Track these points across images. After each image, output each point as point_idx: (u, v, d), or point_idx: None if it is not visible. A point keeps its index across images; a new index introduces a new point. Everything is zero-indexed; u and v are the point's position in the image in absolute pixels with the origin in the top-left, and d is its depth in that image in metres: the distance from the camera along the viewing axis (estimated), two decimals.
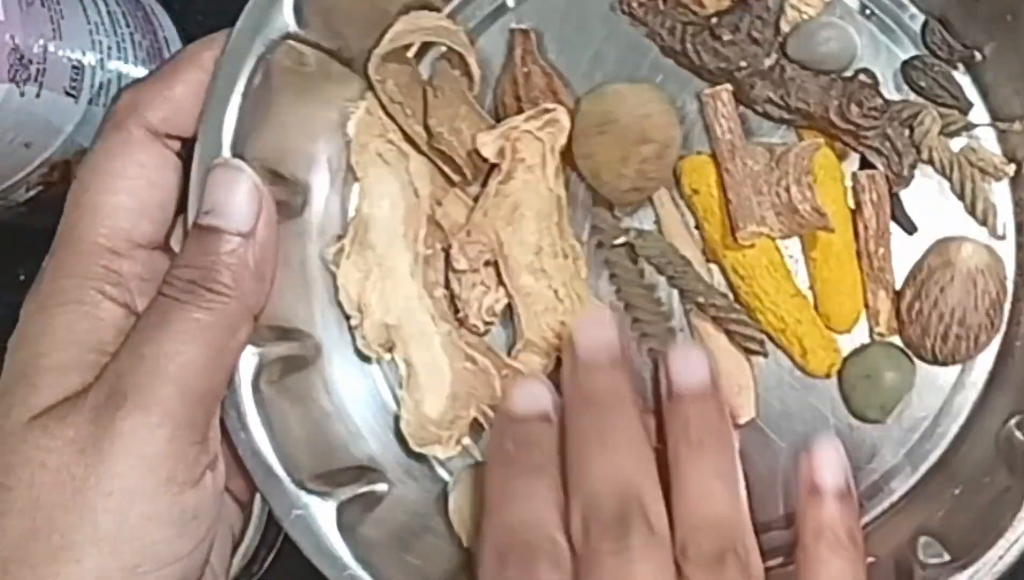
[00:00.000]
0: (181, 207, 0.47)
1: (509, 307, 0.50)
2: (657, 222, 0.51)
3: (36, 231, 0.61)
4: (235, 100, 0.46)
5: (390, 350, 0.50)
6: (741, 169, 0.48)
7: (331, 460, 0.49)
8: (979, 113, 0.50)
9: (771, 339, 0.50)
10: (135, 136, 0.45)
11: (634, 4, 0.50)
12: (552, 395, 0.43)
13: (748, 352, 0.49)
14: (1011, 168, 0.49)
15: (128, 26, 0.56)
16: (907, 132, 0.49)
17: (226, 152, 0.46)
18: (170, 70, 0.47)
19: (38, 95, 0.49)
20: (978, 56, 0.49)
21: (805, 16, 0.49)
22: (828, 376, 0.49)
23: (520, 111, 0.50)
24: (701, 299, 0.49)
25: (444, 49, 0.50)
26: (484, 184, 0.50)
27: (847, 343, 0.50)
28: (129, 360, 0.42)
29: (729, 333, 0.49)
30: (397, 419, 0.51)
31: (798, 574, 0.43)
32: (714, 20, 0.49)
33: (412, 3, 0.50)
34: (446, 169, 0.50)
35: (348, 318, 0.50)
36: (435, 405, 0.49)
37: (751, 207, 0.48)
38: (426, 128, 0.49)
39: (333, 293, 0.50)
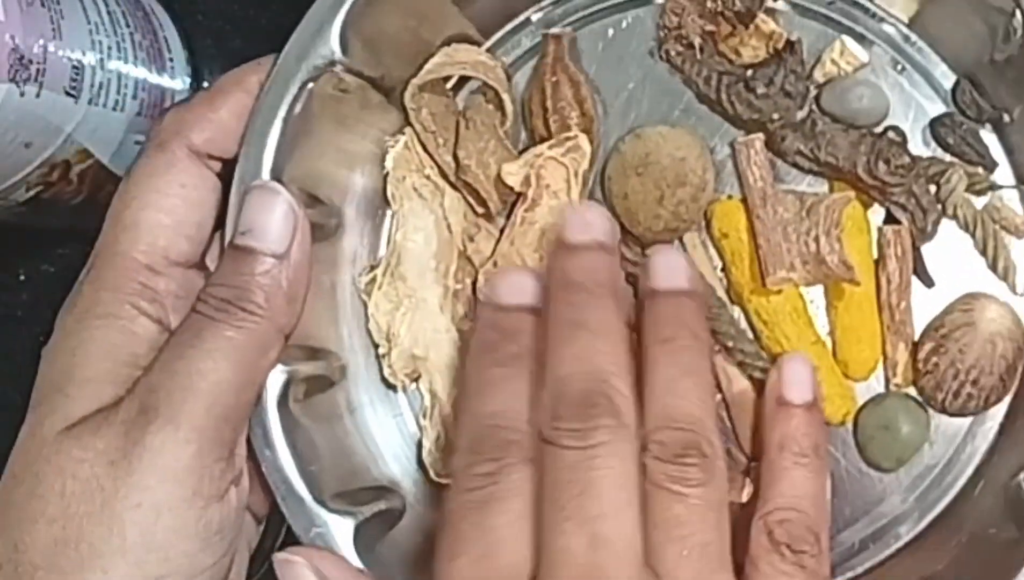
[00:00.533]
0: (218, 226, 0.48)
1: None
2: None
3: (36, 231, 0.62)
4: (277, 124, 0.47)
5: (415, 380, 0.51)
6: (772, 216, 0.49)
7: (352, 480, 0.50)
8: (1004, 172, 0.51)
9: None
10: (178, 156, 0.46)
11: (672, 52, 0.51)
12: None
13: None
14: None
15: (128, 26, 0.56)
16: (932, 189, 0.50)
17: (265, 174, 0.47)
18: (216, 92, 0.48)
19: (38, 95, 0.49)
20: (1006, 117, 0.50)
21: (842, 72, 0.50)
22: (842, 424, 0.50)
23: (546, 121, 0.50)
24: (731, 343, 0.49)
25: (481, 82, 0.51)
26: (509, 215, 0.51)
27: (863, 391, 0.51)
28: (161, 375, 0.43)
29: (751, 379, 0.50)
30: (419, 444, 0.51)
31: (761, 486, 0.43)
32: (749, 72, 0.50)
33: (455, 36, 0.51)
34: (470, 200, 0.51)
35: (376, 346, 0.51)
36: None
37: (781, 254, 0.49)
38: (455, 158, 0.50)
39: (362, 318, 0.51)
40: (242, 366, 0.44)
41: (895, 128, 0.50)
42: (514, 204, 0.51)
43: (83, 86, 0.52)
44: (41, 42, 0.49)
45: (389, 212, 0.52)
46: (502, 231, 0.51)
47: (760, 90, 0.49)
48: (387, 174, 0.51)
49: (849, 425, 0.50)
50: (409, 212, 0.51)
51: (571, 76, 0.51)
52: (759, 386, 0.49)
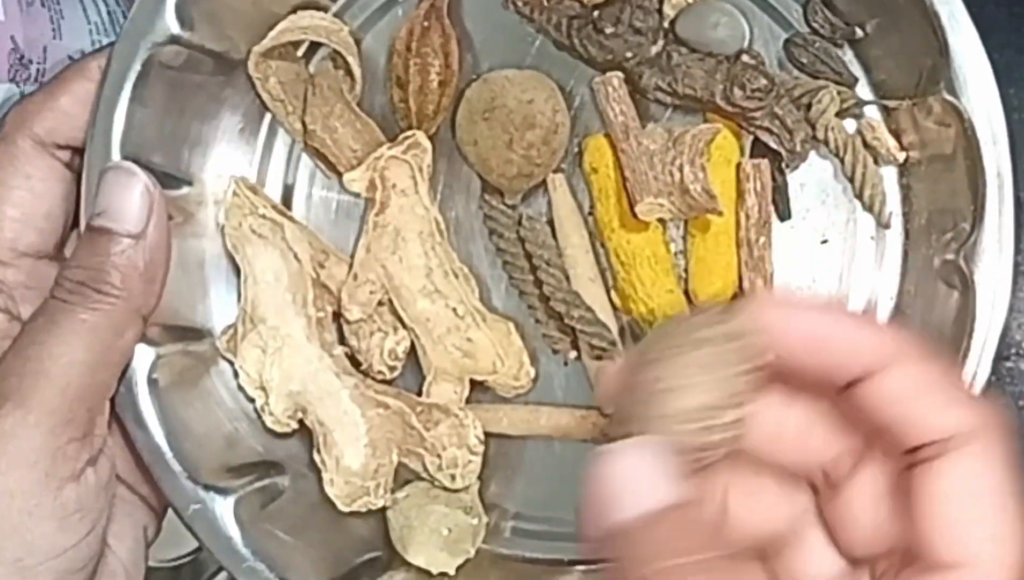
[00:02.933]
0: (77, 219, 0.48)
1: (413, 349, 0.50)
2: (549, 206, 0.51)
3: None
4: (122, 106, 0.47)
5: (300, 421, 0.50)
6: (636, 148, 0.48)
7: (232, 456, 0.50)
8: (863, 89, 0.49)
9: (641, 330, 0.49)
10: (21, 148, 0.46)
11: (519, 2, 0.50)
12: None
13: (593, 350, 0.49)
14: (902, 155, 0.48)
15: None
16: (797, 109, 0.48)
17: (115, 155, 0.47)
18: (56, 82, 0.48)
19: None
20: (860, 32, 0.48)
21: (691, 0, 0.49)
22: None
23: (407, 63, 0.50)
24: (550, 291, 0.49)
25: (330, 48, 0.50)
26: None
27: None
28: (14, 361, 0.43)
29: (575, 332, 0.49)
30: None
31: None
32: (596, 13, 0.49)
33: (300, 3, 0.50)
34: (321, 165, 0.51)
35: (252, 401, 0.50)
36: (355, 457, 0.49)
37: (648, 182, 0.48)
38: (303, 124, 0.50)
39: (234, 293, 0.51)
40: (97, 348, 0.44)
41: (750, 51, 0.49)
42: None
43: None
44: (41, 42, 0.50)
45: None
46: (354, 249, 0.50)
47: (609, 30, 0.48)
48: (223, 228, 0.50)
49: None
50: (253, 255, 0.50)
51: (444, 27, 0.50)
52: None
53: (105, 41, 0.54)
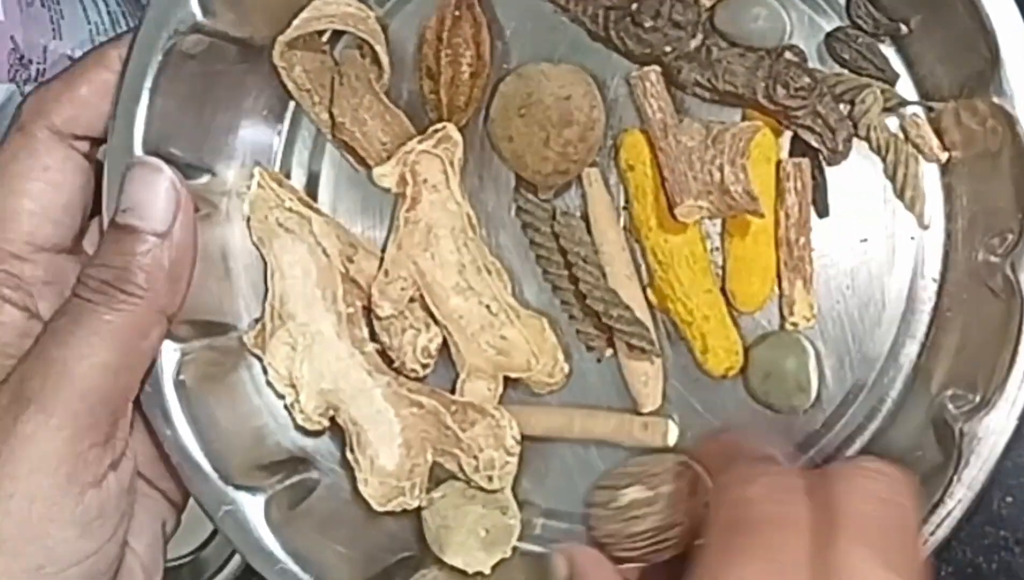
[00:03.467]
0: (96, 209, 0.46)
1: (445, 344, 0.49)
2: (584, 201, 0.50)
3: None
4: (144, 96, 0.45)
5: (332, 418, 0.49)
6: (675, 146, 0.47)
7: (261, 453, 0.49)
8: (905, 85, 0.48)
9: (677, 330, 0.49)
10: (39, 138, 0.45)
11: None
12: None
13: (631, 349, 0.48)
14: (945, 154, 0.47)
15: (128, 26, 0.56)
16: (840, 107, 0.47)
17: (138, 148, 0.45)
18: (75, 70, 0.46)
19: None
20: (904, 29, 0.47)
21: None
22: (724, 377, 0.49)
23: (437, 52, 0.48)
24: (587, 289, 0.48)
25: (355, 35, 0.49)
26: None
27: (753, 327, 0.49)
28: (36, 362, 0.42)
29: (612, 330, 0.48)
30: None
31: None
32: (634, 6, 0.47)
33: None
34: (349, 158, 0.50)
35: (282, 398, 0.49)
36: (390, 457, 0.48)
37: (687, 183, 0.47)
38: (330, 116, 0.48)
39: (260, 286, 0.50)
40: (121, 350, 0.43)
41: (793, 48, 0.48)
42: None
43: None
44: (41, 42, 0.49)
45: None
46: (386, 242, 0.50)
47: (647, 23, 0.47)
48: (248, 220, 0.49)
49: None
50: (280, 250, 0.49)
51: (475, 15, 0.49)
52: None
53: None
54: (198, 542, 0.64)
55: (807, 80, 0.46)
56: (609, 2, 0.48)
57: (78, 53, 0.51)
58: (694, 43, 0.48)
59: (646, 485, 0.48)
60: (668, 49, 0.47)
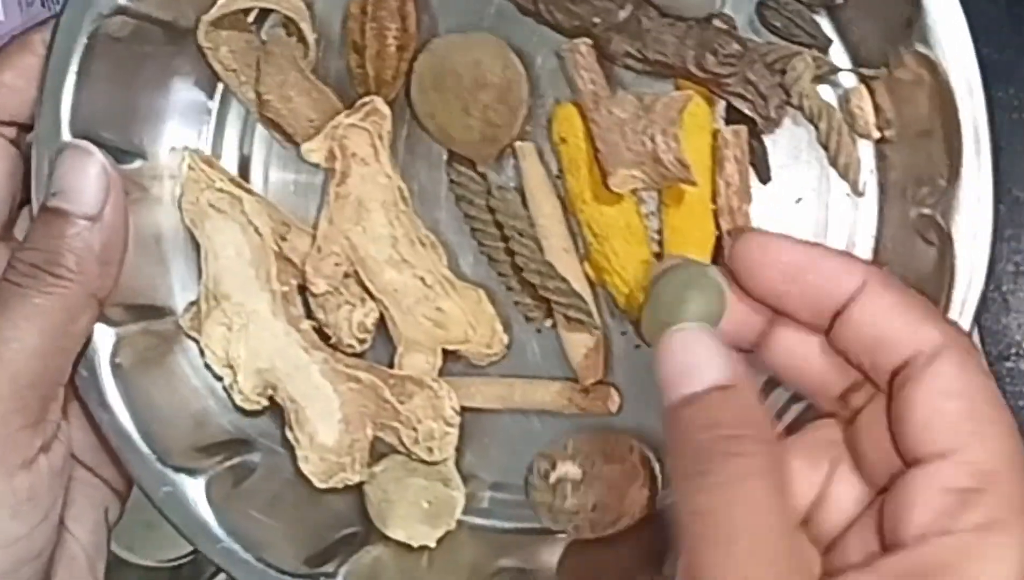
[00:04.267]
0: (26, 197, 0.46)
1: (382, 320, 0.49)
2: (518, 174, 0.49)
3: None
4: (70, 79, 0.45)
5: (270, 398, 0.49)
6: (607, 117, 0.47)
7: (201, 435, 0.49)
8: (837, 52, 0.47)
9: (615, 302, 0.48)
10: None
11: None
12: None
13: (569, 321, 0.48)
14: (877, 133, 0.47)
15: None
16: (772, 75, 0.47)
17: (65, 133, 0.45)
18: None
19: None
20: None
21: None
22: None
23: (363, 27, 0.48)
24: (523, 262, 0.48)
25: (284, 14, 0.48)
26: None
27: None
28: None
29: (549, 302, 0.48)
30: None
31: None
32: None
33: None
34: (277, 136, 0.49)
35: (220, 379, 0.49)
36: (329, 433, 0.48)
37: (620, 153, 0.46)
38: (257, 95, 0.48)
39: (195, 268, 0.50)
40: (50, 333, 0.43)
41: (722, 15, 0.47)
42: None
43: None
44: None
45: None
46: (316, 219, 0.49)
47: None
48: (180, 203, 0.49)
49: None
50: (213, 231, 0.49)
51: None
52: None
53: None
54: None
55: (736, 47, 0.46)
56: None
57: None
58: (623, 14, 0.47)
59: (580, 465, 0.48)
60: (597, 20, 0.47)
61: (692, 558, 0.33)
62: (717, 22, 0.47)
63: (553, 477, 0.48)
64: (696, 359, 0.35)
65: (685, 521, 0.33)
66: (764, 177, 0.48)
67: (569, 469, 0.48)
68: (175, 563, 0.67)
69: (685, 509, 0.34)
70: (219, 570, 0.49)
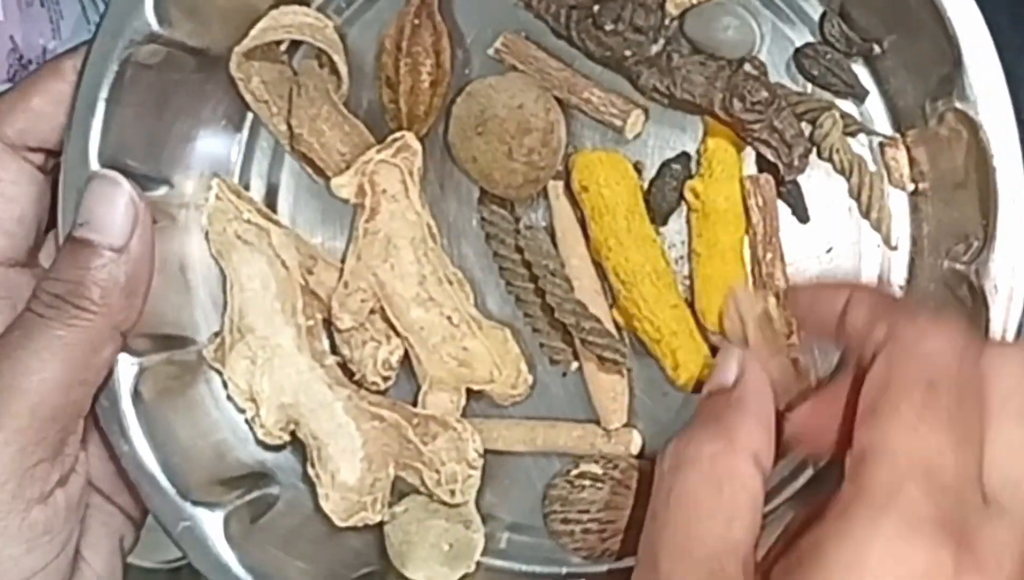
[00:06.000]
0: (52, 222, 0.46)
1: (406, 357, 0.49)
2: (549, 213, 0.49)
3: None
4: (100, 106, 0.45)
5: (292, 433, 0.49)
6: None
7: (221, 468, 0.49)
8: (874, 102, 0.47)
9: (646, 348, 0.48)
10: None
11: None
12: None
13: (602, 362, 0.48)
14: (911, 185, 0.47)
15: None
16: (799, 123, 0.46)
17: (93, 160, 0.45)
18: (29, 82, 0.46)
19: None
20: (876, 49, 0.46)
21: (696, 1, 0.47)
22: (697, 391, 0.47)
23: (396, 62, 0.48)
24: (555, 302, 0.47)
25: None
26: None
27: None
28: None
29: (582, 342, 0.48)
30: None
31: None
32: (596, 8, 0.46)
33: None
34: (308, 169, 0.49)
35: (242, 411, 0.49)
36: (351, 471, 0.48)
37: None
38: (288, 127, 0.48)
39: (219, 298, 0.49)
40: (72, 365, 0.42)
41: (754, 60, 0.47)
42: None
43: None
44: (41, 42, 0.49)
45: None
46: (345, 253, 0.49)
47: (608, 26, 0.46)
48: (207, 232, 0.49)
49: None
50: (239, 262, 0.48)
51: (435, 24, 0.48)
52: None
53: None
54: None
55: (765, 94, 0.45)
56: (573, 1, 0.47)
57: None
58: (655, 48, 0.47)
59: (600, 466, 0.48)
60: (628, 53, 0.47)
61: None
62: (748, 67, 0.46)
63: (575, 472, 0.48)
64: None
65: None
66: (803, 217, 0.48)
67: (592, 467, 0.48)
68: (174, 565, 0.66)
69: None
70: None
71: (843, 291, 0.40)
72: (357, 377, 0.49)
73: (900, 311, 0.38)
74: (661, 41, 0.47)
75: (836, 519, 0.33)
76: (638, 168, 0.48)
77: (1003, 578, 0.32)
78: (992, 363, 0.36)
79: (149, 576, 0.67)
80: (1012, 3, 0.54)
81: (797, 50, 0.47)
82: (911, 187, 0.47)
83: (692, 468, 0.37)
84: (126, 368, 0.45)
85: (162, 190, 0.47)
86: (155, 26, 0.44)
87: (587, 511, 0.48)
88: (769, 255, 0.47)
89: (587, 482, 0.48)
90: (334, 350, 0.49)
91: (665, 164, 0.48)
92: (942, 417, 0.34)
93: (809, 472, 0.47)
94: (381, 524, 0.49)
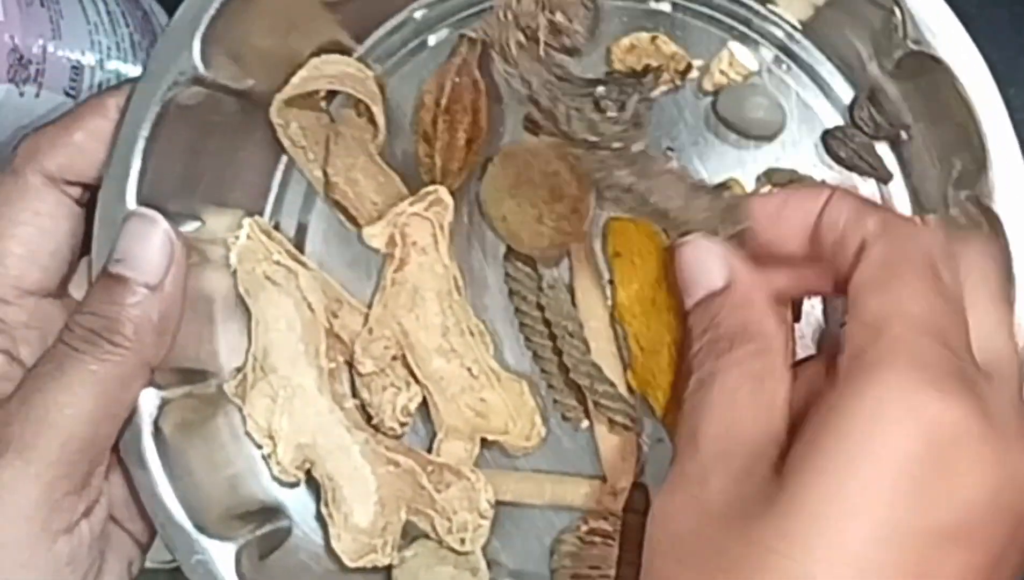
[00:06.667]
0: (84, 253, 0.46)
1: (423, 403, 0.50)
2: (571, 273, 0.50)
3: None
4: (139, 145, 0.45)
5: (308, 471, 0.49)
6: None
7: (235, 502, 0.49)
8: (897, 185, 0.49)
9: (653, 411, 0.48)
10: (31, 183, 0.45)
11: (511, 44, 0.40)
12: None
13: (612, 425, 0.49)
14: None
15: (128, 26, 0.55)
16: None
17: (130, 198, 0.45)
18: (72, 117, 0.46)
19: (37, 95, 0.49)
20: (904, 135, 0.47)
21: (731, 81, 0.48)
22: None
23: (435, 118, 0.49)
24: (572, 363, 0.48)
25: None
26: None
27: None
28: (19, 407, 0.43)
29: (596, 405, 0.49)
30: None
31: None
32: (600, 90, 0.40)
33: (326, 44, 0.49)
34: (341, 217, 0.50)
35: (259, 447, 0.50)
36: (364, 514, 0.49)
37: None
38: (324, 175, 0.48)
39: (243, 334, 0.50)
40: (103, 400, 0.43)
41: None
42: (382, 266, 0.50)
43: (82, 86, 0.51)
44: (40, 42, 0.48)
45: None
46: (371, 298, 0.50)
47: (611, 113, 0.40)
48: (235, 272, 0.49)
49: None
50: (266, 302, 0.49)
51: (475, 82, 0.49)
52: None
53: (104, 41, 0.52)
54: None
55: None
56: (561, 72, 0.40)
57: (77, 53, 0.51)
58: (638, 147, 0.41)
59: (610, 523, 0.49)
60: (616, 145, 0.40)
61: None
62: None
63: (585, 529, 0.49)
64: (698, 268, 0.41)
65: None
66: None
67: (602, 524, 0.49)
68: (174, 565, 0.66)
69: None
70: None
71: (818, 195, 0.39)
72: (375, 421, 0.49)
73: (884, 209, 0.40)
74: (644, 141, 0.41)
75: (848, 380, 0.35)
76: None
77: (1010, 432, 0.35)
78: (966, 253, 0.39)
79: (149, 576, 0.67)
80: (1012, 3, 0.55)
81: (826, 132, 0.48)
82: None
83: (735, 367, 0.38)
84: (148, 400, 0.46)
85: (193, 226, 0.48)
86: (200, 69, 0.45)
87: (598, 567, 0.49)
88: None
89: (598, 539, 0.49)
90: (353, 392, 0.50)
91: None
92: (946, 292, 0.36)
93: None
94: (390, 567, 0.50)
